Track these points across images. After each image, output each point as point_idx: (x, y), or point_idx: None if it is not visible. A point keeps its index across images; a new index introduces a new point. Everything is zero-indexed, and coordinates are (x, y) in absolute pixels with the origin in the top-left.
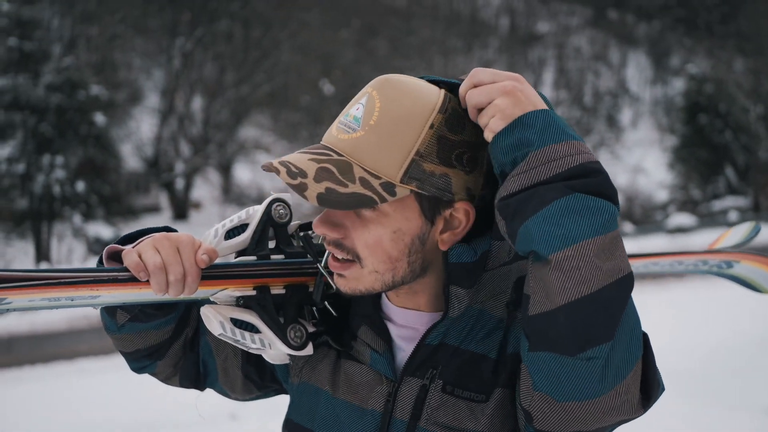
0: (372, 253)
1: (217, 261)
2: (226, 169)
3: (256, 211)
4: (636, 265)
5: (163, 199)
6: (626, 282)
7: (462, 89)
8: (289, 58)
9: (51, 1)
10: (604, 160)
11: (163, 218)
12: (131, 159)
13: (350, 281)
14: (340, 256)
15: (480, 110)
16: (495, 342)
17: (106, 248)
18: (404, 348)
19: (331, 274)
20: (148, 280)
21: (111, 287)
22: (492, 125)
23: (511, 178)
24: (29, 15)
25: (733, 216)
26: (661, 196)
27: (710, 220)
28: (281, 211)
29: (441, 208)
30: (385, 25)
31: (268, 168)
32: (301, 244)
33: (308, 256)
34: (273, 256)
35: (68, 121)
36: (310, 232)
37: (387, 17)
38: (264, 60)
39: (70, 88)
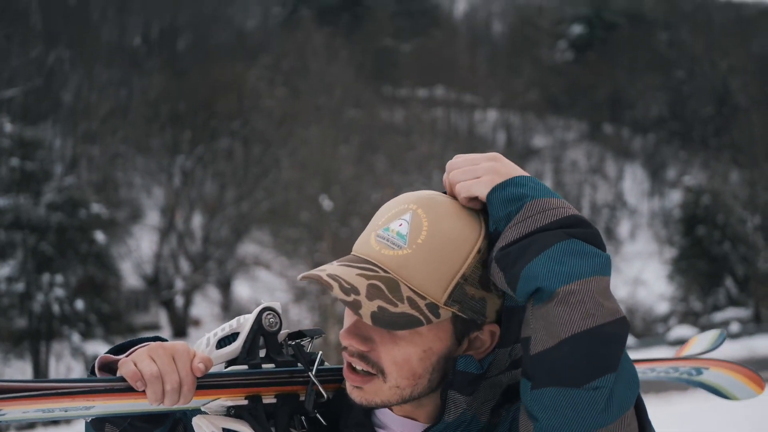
0: (398, 370)
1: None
2: (225, 286)
3: (246, 320)
4: None
5: (163, 317)
6: (624, 323)
7: (445, 178)
8: (288, 175)
9: (54, 121)
10: None
11: (163, 336)
12: (131, 277)
13: (367, 394)
14: (360, 368)
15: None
16: None
17: (98, 358)
18: None
19: (322, 383)
20: (144, 390)
21: (107, 398)
22: (485, 181)
23: (510, 229)
24: (32, 135)
25: (734, 327)
26: (662, 308)
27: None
28: (271, 319)
29: (471, 330)
30: (384, 141)
31: (318, 280)
32: (292, 352)
33: (299, 364)
34: (263, 365)
35: (69, 239)
36: (300, 341)
37: (386, 133)
38: (264, 177)
39: (71, 207)
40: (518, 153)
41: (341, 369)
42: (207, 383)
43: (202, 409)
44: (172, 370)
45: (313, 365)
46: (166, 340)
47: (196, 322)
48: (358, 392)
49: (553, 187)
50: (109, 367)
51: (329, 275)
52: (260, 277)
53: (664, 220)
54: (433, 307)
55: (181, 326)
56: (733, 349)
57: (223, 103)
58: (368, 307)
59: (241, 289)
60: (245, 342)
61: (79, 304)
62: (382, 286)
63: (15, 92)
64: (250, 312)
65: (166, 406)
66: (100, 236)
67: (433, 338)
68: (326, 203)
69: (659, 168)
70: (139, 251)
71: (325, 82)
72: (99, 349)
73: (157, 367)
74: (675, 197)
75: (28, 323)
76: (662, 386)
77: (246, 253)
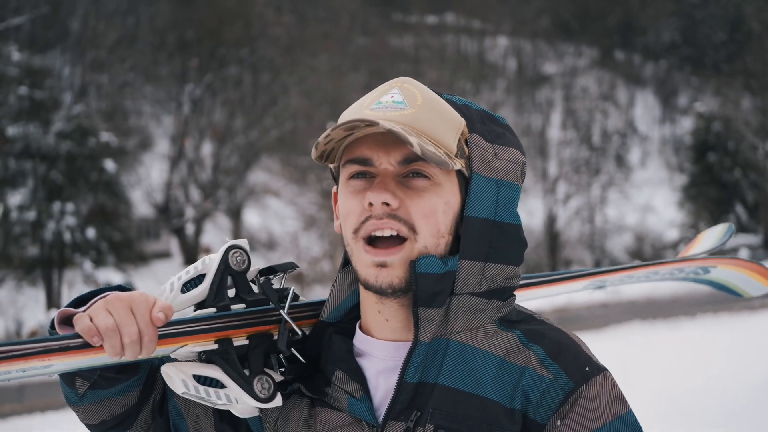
0: (427, 224)
1: (176, 315)
2: (236, 214)
3: (212, 261)
4: (612, 279)
5: (174, 245)
6: None
7: None
8: (297, 103)
9: (62, 50)
10: (614, 199)
11: (174, 264)
12: (141, 205)
13: (395, 269)
14: (389, 233)
15: None
16: (498, 385)
17: (57, 312)
18: (383, 386)
19: (295, 320)
20: (101, 345)
21: (63, 355)
22: None
23: None
24: (40, 64)
25: (744, 254)
26: (672, 234)
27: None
28: (238, 258)
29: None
30: (393, 68)
31: (361, 120)
32: (263, 290)
33: (270, 303)
34: (233, 306)
35: (78, 168)
36: (270, 277)
37: (394, 61)
38: (272, 105)
39: (80, 136)
40: (529, 80)
41: (317, 303)
42: (171, 332)
43: (172, 356)
44: (130, 321)
45: (285, 302)
46: (130, 289)
47: (207, 250)
48: (384, 272)
49: (564, 114)
50: (70, 321)
51: (367, 119)
52: (270, 205)
53: (674, 146)
54: (449, 157)
55: (192, 254)
56: None
57: (230, 31)
58: (413, 140)
59: (251, 217)
60: (212, 283)
61: (90, 232)
62: (411, 131)
63: (22, 20)
64: (261, 242)
65: (128, 358)
66: (110, 165)
67: (449, 191)
68: None
69: (670, 94)
70: (149, 179)
71: (332, 9)
72: (111, 276)
73: (114, 320)
74: (686, 124)
75: (40, 251)
76: (671, 310)
77: (256, 181)
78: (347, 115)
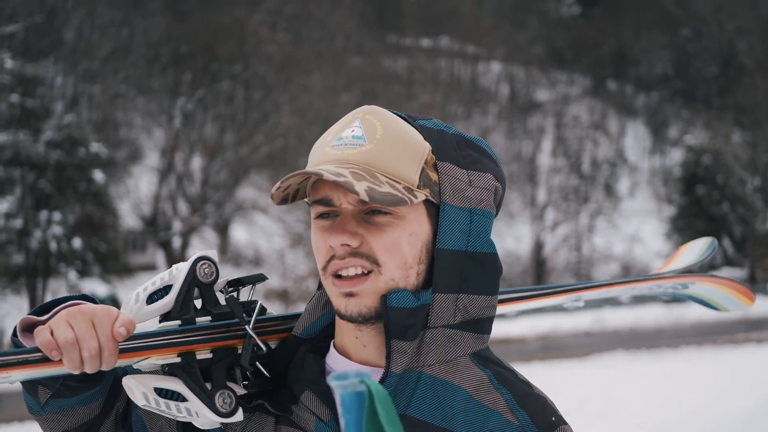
0: (391, 257)
1: (140, 326)
2: (223, 229)
3: (180, 271)
4: (590, 295)
5: (160, 258)
6: None
7: None
8: (288, 121)
9: (55, 59)
10: (602, 228)
11: (90, 295)
12: (129, 217)
13: (364, 298)
14: (353, 271)
15: None
16: (465, 421)
17: (20, 320)
18: None
19: (260, 334)
20: (60, 359)
21: (22, 370)
22: None
23: None
24: (32, 72)
25: None
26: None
27: None
28: (206, 269)
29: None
30: (386, 90)
31: (302, 174)
32: (228, 303)
33: (236, 317)
34: (199, 318)
35: (67, 177)
36: (239, 288)
37: (387, 82)
38: (264, 122)
39: (70, 145)
40: (521, 106)
41: (283, 317)
42: (133, 346)
43: (135, 366)
44: (90, 336)
45: (251, 316)
46: (94, 299)
47: None
48: (352, 302)
49: (555, 142)
50: (32, 328)
51: (310, 171)
52: (258, 221)
53: (663, 178)
54: (410, 190)
55: None
56: None
57: (224, 47)
58: (360, 186)
59: (239, 233)
60: (178, 295)
61: (77, 243)
62: (363, 173)
63: (16, 28)
64: (247, 258)
65: (88, 372)
66: (98, 175)
67: (414, 222)
68: None
69: (661, 126)
70: (137, 191)
71: (327, 29)
72: (96, 287)
73: (74, 333)
74: (676, 156)
75: (25, 259)
76: (655, 341)
77: (244, 197)
78: (312, 153)
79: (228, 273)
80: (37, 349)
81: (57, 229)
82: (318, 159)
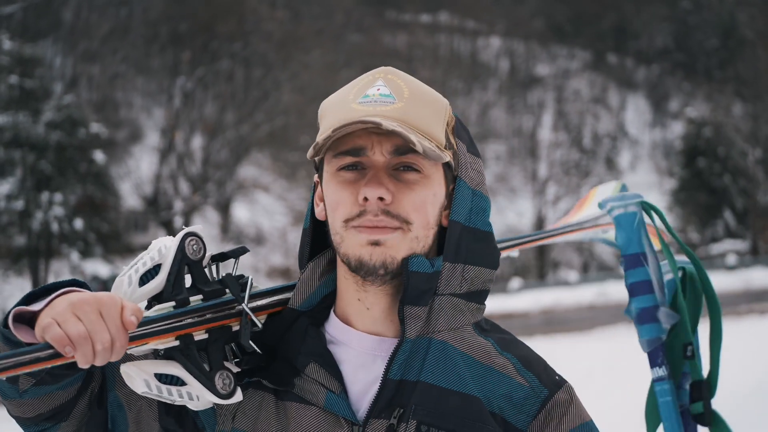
0: (418, 216)
1: None
2: (224, 208)
3: (168, 250)
4: (529, 247)
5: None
6: None
7: None
8: (289, 99)
9: (53, 39)
10: None
11: (80, 279)
12: (130, 197)
13: (389, 249)
14: (383, 225)
15: None
16: (478, 385)
17: (11, 311)
18: (360, 381)
19: (253, 310)
20: (73, 354)
21: (33, 367)
22: None
23: None
24: (31, 53)
25: (731, 259)
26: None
27: (709, 263)
28: (194, 246)
29: (450, 182)
30: (386, 66)
31: (360, 122)
32: (219, 278)
33: (227, 291)
34: (191, 298)
35: (68, 158)
36: (217, 264)
37: (387, 59)
38: (264, 100)
39: (70, 126)
40: (521, 81)
41: (274, 290)
42: (138, 333)
43: (128, 352)
44: (102, 328)
45: (245, 292)
46: (84, 283)
47: None
48: (377, 250)
49: (555, 116)
50: (25, 318)
51: (371, 120)
52: (259, 199)
53: (665, 151)
54: (440, 149)
55: None
56: (729, 281)
57: (223, 25)
58: (414, 138)
59: (240, 212)
60: (170, 275)
61: (78, 223)
62: (407, 128)
63: (14, 9)
64: (249, 236)
65: (98, 365)
66: (99, 156)
67: (437, 183)
68: None
69: (662, 99)
70: (138, 171)
71: (327, 6)
72: (98, 268)
73: (84, 327)
74: (677, 129)
75: (27, 241)
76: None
77: (245, 175)
78: (331, 110)
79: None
80: (47, 345)
81: (58, 210)
82: (345, 115)
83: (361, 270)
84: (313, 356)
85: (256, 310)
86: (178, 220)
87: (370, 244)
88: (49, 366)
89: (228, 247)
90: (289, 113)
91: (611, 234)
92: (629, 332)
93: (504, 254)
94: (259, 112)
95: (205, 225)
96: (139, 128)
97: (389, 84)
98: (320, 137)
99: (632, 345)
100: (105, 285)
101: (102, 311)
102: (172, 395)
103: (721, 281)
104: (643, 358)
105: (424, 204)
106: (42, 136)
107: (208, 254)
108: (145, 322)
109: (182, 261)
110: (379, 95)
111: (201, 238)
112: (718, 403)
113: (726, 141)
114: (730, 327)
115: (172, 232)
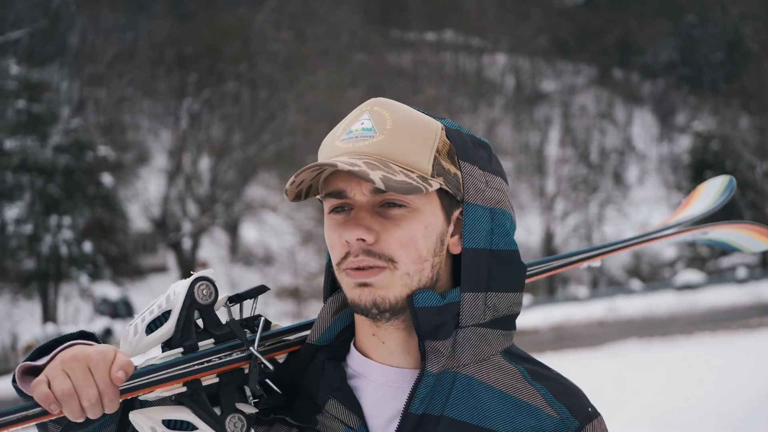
0: (407, 252)
1: (142, 357)
2: (233, 229)
3: (177, 296)
4: (610, 257)
5: (170, 259)
6: None
7: None
8: (295, 119)
9: (60, 64)
10: (611, 217)
11: (171, 278)
12: (138, 219)
13: (378, 290)
14: (365, 265)
15: None
16: (505, 420)
17: (18, 367)
18: (380, 414)
19: (266, 352)
20: (61, 411)
21: (22, 425)
22: None
23: None
24: (38, 78)
25: (741, 273)
26: (669, 253)
27: (718, 277)
28: (204, 291)
29: (454, 207)
30: (392, 85)
31: (317, 166)
32: (230, 326)
33: (239, 339)
34: (201, 342)
35: (76, 181)
36: (239, 305)
37: (393, 77)
38: (271, 121)
39: (77, 150)
40: (527, 97)
41: (290, 329)
42: (135, 385)
43: (140, 399)
44: (89, 384)
45: (256, 333)
46: (92, 334)
47: (204, 265)
48: (366, 291)
49: (562, 132)
50: (33, 371)
51: (324, 163)
52: (267, 220)
53: (672, 165)
54: (423, 179)
55: (188, 268)
56: (739, 294)
57: (229, 47)
58: (375, 175)
59: (249, 232)
60: (178, 320)
61: (87, 246)
62: (377, 163)
63: (21, 34)
64: (258, 257)
65: (91, 418)
66: (107, 178)
67: (429, 213)
68: None
69: (668, 113)
70: (146, 193)
71: (331, 26)
72: (107, 290)
73: (71, 383)
74: (684, 143)
75: (37, 264)
76: (668, 329)
77: (253, 196)
78: (321, 149)
79: (238, 272)
80: (36, 403)
81: (67, 234)
82: (329, 153)
83: (357, 311)
84: (332, 391)
85: (269, 350)
86: (186, 242)
87: (358, 286)
88: (46, 420)
89: (237, 268)
90: (296, 133)
91: (713, 235)
92: (639, 348)
93: (585, 264)
94: (266, 133)
95: (214, 246)
96: (146, 150)
97: (373, 117)
98: (288, 183)
99: (642, 361)
100: (114, 307)
101: (90, 367)
102: None
103: (731, 295)
104: (653, 373)
105: (413, 239)
106: (50, 160)
107: (223, 296)
108: (147, 372)
109: (191, 306)
110: (362, 130)
111: (212, 282)
112: (731, 414)
113: (733, 154)
114: (740, 340)
115: (180, 254)
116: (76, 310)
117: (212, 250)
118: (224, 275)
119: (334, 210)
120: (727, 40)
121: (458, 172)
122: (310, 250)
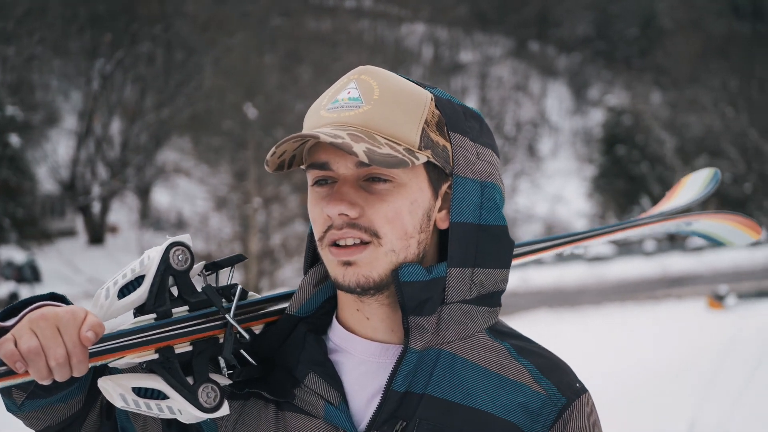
0: (392, 228)
1: (116, 321)
2: (144, 193)
3: (152, 260)
4: (597, 242)
5: (79, 223)
6: None
7: None
8: (211, 83)
9: None
10: (525, 188)
11: (79, 242)
12: (47, 182)
13: (363, 267)
14: (352, 241)
15: None
16: (490, 398)
17: None
18: (362, 391)
19: (243, 321)
20: (27, 370)
21: None
22: None
23: None
24: None
25: (649, 246)
26: (580, 224)
27: (627, 249)
28: (180, 256)
29: (442, 181)
30: (310, 51)
31: (299, 137)
32: (206, 292)
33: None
34: (176, 309)
35: None
36: (214, 274)
37: (311, 43)
38: (186, 84)
39: None
40: (444, 68)
41: (268, 299)
42: (106, 348)
43: (111, 365)
44: (57, 343)
45: (232, 302)
46: (63, 297)
47: (113, 229)
48: (350, 270)
49: (478, 103)
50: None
51: (305, 134)
52: (180, 184)
53: (585, 138)
54: (410, 152)
55: (98, 233)
56: (647, 267)
57: (144, 7)
58: (358, 148)
59: (161, 197)
60: (152, 286)
61: None
62: (361, 135)
63: None
64: (169, 222)
65: (59, 380)
66: (14, 139)
67: (415, 189)
68: (251, 111)
69: (582, 87)
70: (55, 155)
71: None
72: (13, 254)
73: (38, 342)
74: (597, 116)
75: None
76: (577, 299)
77: (166, 160)
78: (307, 118)
79: (149, 237)
80: (1, 362)
81: None
82: (314, 123)
83: (341, 288)
84: (312, 365)
85: (244, 320)
86: (96, 205)
87: (341, 264)
88: (12, 382)
89: (148, 233)
90: (212, 97)
91: (698, 226)
92: (549, 317)
93: (568, 249)
94: (181, 96)
95: (124, 210)
96: (56, 111)
97: (360, 86)
98: (269, 154)
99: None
100: (20, 271)
101: (59, 326)
102: (152, 409)
103: (639, 267)
104: (561, 341)
105: (399, 214)
106: None
107: (200, 264)
108: (118, 335)
109: (166, 272)
110: (348, 99)
111: (188, 248)
112: (639, 381)
113: (644, 129)
114: (647, 311)
115: (89, 218)
116: None
117: (123, 214)
118: (134, 240)
119: (318, 182)
120: (642, 15)
121: (447, 144)
122: (224, 216)
